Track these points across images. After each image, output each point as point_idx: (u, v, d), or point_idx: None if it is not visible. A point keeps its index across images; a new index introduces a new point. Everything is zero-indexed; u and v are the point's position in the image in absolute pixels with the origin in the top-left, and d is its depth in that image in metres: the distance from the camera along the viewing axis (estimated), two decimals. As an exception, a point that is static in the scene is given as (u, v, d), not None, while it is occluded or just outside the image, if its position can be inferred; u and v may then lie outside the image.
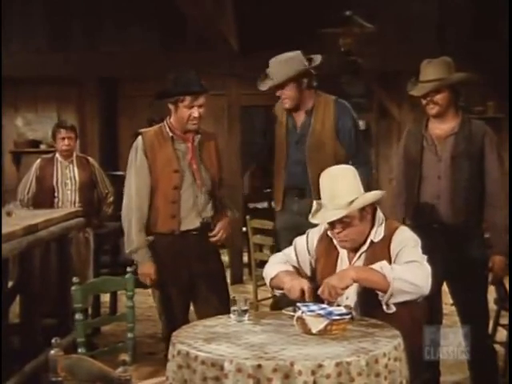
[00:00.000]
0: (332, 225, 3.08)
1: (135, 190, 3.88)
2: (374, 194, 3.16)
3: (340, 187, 3.08)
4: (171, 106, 3.90)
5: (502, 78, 5.95)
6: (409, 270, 2.90)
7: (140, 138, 3.96)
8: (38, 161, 5.97)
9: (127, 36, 8.75)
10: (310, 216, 3.17)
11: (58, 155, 5.95)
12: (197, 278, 3.95)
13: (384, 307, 2.90)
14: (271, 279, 3.22)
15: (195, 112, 3.84)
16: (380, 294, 2.90)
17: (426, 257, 3.01)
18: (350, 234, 3.07)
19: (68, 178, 6.00)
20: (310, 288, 3.02)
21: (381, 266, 2.91)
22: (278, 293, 3.25)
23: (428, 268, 2.95)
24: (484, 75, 4.34)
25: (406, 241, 3.06)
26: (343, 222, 3.04)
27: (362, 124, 9.86)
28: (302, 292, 3.00)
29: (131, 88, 9.42)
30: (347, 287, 2.93)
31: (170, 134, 3.92)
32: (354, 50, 7.79)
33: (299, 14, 8.39)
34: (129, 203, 3.89)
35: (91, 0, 8.86)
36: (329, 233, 3.18)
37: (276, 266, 3.24)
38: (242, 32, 7.91)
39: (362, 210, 3.07)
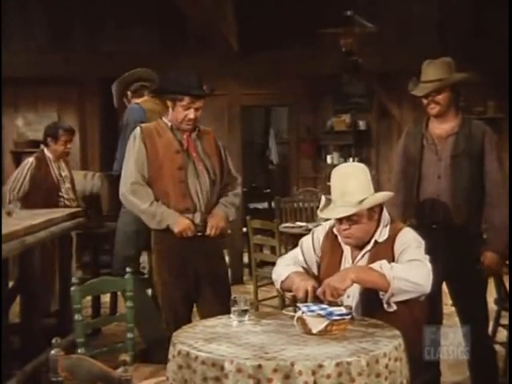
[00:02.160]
0: (339, 221, 3.09)
1: (133, 169, 3.89)
2: (383, 195, 3.17)
3: (351, 185, 3.09)
4: (169, 103, 3.93)
5: (502, 78, 5.95)
6: (409, 268, 2.91)
7: (138, 128, 4.00)
8: (31, 160, 5.91)
9: (128, 36, 8.74)
10: (319, 211, 3.18)
11: (49, 155, 5.93)
12: (201, 278, 3.96)
13: (385, 306, 2.90)
14: (282, 282, 3.21)
15: (191, 114, 3.87)
16: (381, 293, 2.90)
17: (428, 257, 3.01)
18: (356, 231, 3.08)
19: (64, 177, 6.02)
20: (313, 290, 3.01)
21: (380, 265, 2.91)
22: (288, 295, 3.25)
23: (429, 266, 2.95)
24: (484, 75, 4.34)
25: (410, 241, 3.06)
26: (351, 220, 3.05)
27: (362, 124, 9.90)
28: (306, 292, 3.00)
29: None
30: (348, 288, 2.92)
31: (169, 124, 3.96)
32: (354, 50, 7.78)
33: (300, 13, 8.38)
34: (127, 183, 3.90)
35: (92, 0, 8.85)
36: (334, 229, 3.19)
37: (286, 267, 3.24)
38: (242, 32, 7.90)
39: (371, 209, 3.08)
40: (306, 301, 2.96)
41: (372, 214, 3.09)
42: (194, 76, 3.93)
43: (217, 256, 4.05)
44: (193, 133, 4.00)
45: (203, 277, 3.95)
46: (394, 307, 2.91)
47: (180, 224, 3.86)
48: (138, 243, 4.88)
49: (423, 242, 3.10)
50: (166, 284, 3.96)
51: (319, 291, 2.91)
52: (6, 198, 5.78)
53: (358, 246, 3.15)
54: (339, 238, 3.19)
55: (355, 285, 2.95)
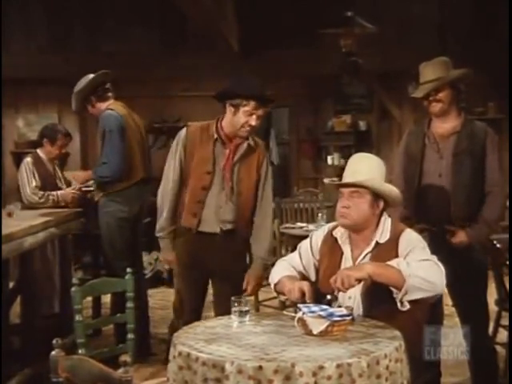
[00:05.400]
0: (341, 196, 3.11)
1: (172, 177, 3.94)
2: (392, 187, 3.18)
3: (364, 167, 3.14)
4: (230, 108, 3.81)
5: (502, 79, 5.95)
6: (424, 267, 2.90)
7: (184, 130, 3.97)
8: (28, 159, 5.90)
9: (128, 36, 8.76)
10: (328, 179, 3.22)
11: (42, 155, 5.93)
12: (213, 277, 3.99)
13: (398, 304, 2.89)
14: (275, 285, 3.23)
15: (253, 120, 3.77)
16: (395, 291, 2.88)
17: (435, 257, 3.01)
18: (354, 212, 3.08)
19: (59, 178, 6.03)
20: (310, 289, 3.01)
21: (397, 262, 2.91)
22: (282, 298, 3.25)
23: (441, 266, 2.95)
24: (484, 76, 4.35)
25: (415, 242, 3.06)
26: (353, 196, 3.07)
27: (362, 125, 9.91)
28: (303, 293, 2.99)
29: (131, 88, 9.43)
30: (361, 280, 2.90)
31: (215, 136, 3.88)
32: (354, 51, 7.79)
33: (300, 14, 8.40)
34: (166, 187, 3.97)
35: (92, 0, 8.86)
36: (334, 232, 3.21)
37: (279, 271, 3.24)
38: (242, 32, 7.91)
39: (375, 199, 3.09)
40: (304, 301, 2.95)
41: (374, 204, 3.09)
42: (259, 82, 3.90)
43: (231, 257, 3.97)
44: (240, 148, 3.90)
45: (214, 276, 3.97)
46: (408, 306, 2.89)
47: (166, 255, 4.06)
48: (124, 238, 4.98)
49: (425, 244, 3.10)
50: (179, 276, 4.04)
51: (331, 279, 2.90)
52: (27, 198, 5.74)
53: (358, 246, 3.14)
54: (339, 239, 3.19)
55: (356, 286, 2.94)
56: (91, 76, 5.09)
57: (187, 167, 3.90)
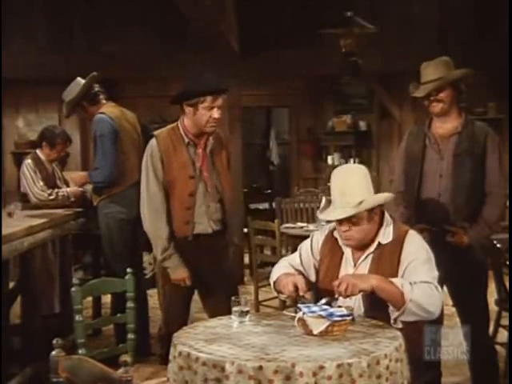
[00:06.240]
0: (339, 222, 3.07)
1: (157, 194, 3.83)
2: (383, 196, 3.15)
3: (351, 185, 3.06)
4: (189, 109, 3.80)
5: (503, 79, 5.96)
6: (425, 294, 2.88)
7: (154, 141, 3.89)
8: (29, 161, 5.90)
9: (128, 37, 8.75)
10: (319, 212, 3.20)
11: (42, 156, 5.93)
12: (206, 279, 3.95)
13: (391, 321, 2.90)
14: (274, 283, 3.23)
15: (215, 113, 3.77)
16: (391, 308, 2.89)
17: (437, 274, 3.00)
18: (356, 233, 3.05)
19: (58, 178, 6.05)
20: (303, 281, 3.01)
21: (402, 283, 2.89)
22: (282, 297, 3.25)
23: (441, 292, 2.96)
24: (484, 76, 4.35)
25: (419, 252, 3.03)
26: (351, 222, 3.03)
27: (362, 125, 9.91)
28: (296, 287, 2.99)
29: (131, 88, 9.43)
30: (363, 292, 2.90)
31: (186, 140, 3.86)
32: (354, 51, 7.78)
33: (300, 14, 8.38)
34: (152, 207, 3.84)
35: (92, 1, 8.86)
36: (335, 233, 3.19)
37: (279, 270, 3.24)
38: (242, 33, 7.90)
39: (371, 210, 3.05)
40: (297, 294, 2.96)
41: (372, 216, 3.07)
42: (210, 74, 3.89)
43: (223, 257, 4.00)
44: (208, 143, 3.89)
45: (207, 277, 3.94)
46: (400, 325, 2.89)
47: (178, 274, 3.85)
48: (124, 240, 4.99)
49: (429, 250, 3.08)
50: (171, 285, 3.93)
51: (335, 282, 2.89)
52: (36, 196, 5.75)
53: (360, 248, 3.13)
54: (339, 240, 3.18)
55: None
56: (80, 81, 5.09)
57: (168, 176, 3.83)
